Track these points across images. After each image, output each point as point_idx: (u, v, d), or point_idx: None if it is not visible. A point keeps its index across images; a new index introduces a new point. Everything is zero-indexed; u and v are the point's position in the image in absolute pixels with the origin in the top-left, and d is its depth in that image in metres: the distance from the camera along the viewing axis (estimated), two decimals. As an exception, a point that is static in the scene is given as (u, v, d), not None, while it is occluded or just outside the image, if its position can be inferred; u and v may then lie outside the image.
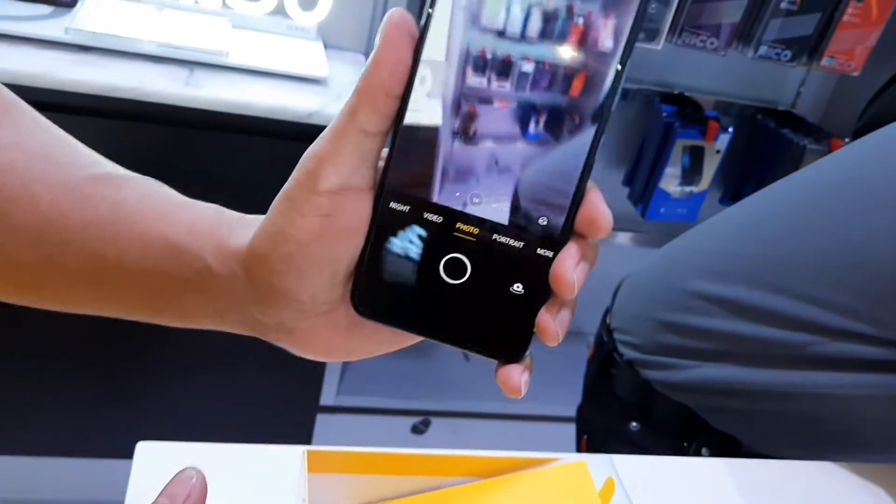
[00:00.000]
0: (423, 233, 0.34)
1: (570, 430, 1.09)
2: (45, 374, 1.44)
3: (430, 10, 0.32)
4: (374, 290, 0.35)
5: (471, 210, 0.33)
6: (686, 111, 1.76)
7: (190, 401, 1.51)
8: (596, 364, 1.00)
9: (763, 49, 1.63)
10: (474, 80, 0.32)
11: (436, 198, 0.34)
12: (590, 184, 0.33)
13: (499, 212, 0.33)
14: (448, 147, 0.33)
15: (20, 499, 1.60)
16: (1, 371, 1.41)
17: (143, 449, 0.65)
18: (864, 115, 0.95)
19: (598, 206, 0.33)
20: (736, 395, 0.83)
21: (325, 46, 1.50)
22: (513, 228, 0.33)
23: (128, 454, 0.64)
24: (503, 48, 0.32)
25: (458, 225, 0.34)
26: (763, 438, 0.85)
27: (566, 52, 0.32)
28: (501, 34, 0.32)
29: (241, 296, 0.36)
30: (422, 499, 0.60)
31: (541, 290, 0.34)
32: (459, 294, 0.34)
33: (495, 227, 0.33)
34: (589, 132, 0.32)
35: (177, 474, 0.33)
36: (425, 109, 0.33)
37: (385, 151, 0.34)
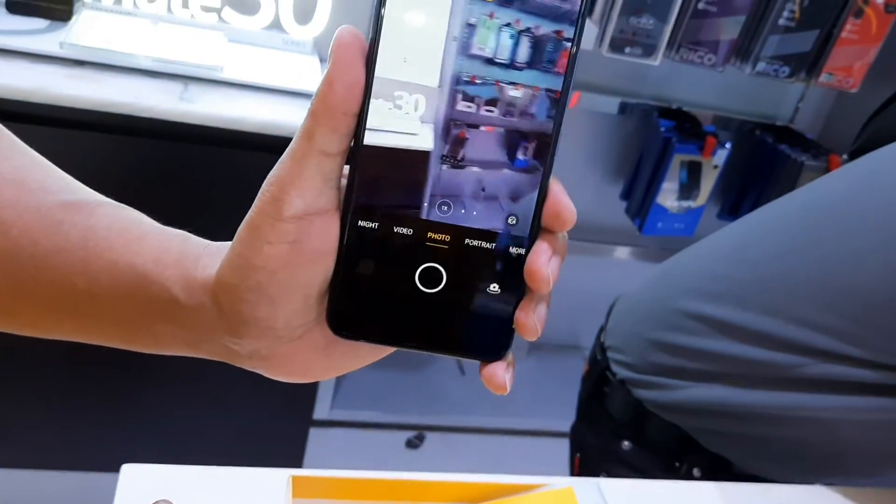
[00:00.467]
0: (394, 246, 0.34)
1: (565, 445, 1.08)
2: (33, 387, 1.44)
3: (379, 24, 0.32)
4: (352, 310, 0.35)
5: (440, 218, 0.34)
6: (684, 126, 1.76)
7: (182, 413, 1.51)
8: (589, 382, 1.00)
9: (761, 65, 1.63)
10: (431, 91, 0.33)
11: (403, 210, 0.34)
12: (552, 179, 0.34)
13: (468, 217, 0.34)
14: (411, 158, 0.33)
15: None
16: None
17: (128, 471, 0.64)
18: (862, 135, 0.95)
19: (561, 200, 0.34)
20: (727, 417, 0.82)
21: (321, 61, 1.50)
22: (483, 231, 0.34)
23: (117, 468, 0.63)
24: (456, 53, 0.32)
25: (429, 234, 0.34)
26: (754, 460, 0.84)
27: (517, 51, 0.32)
28: (453, 41, 0.32)
29: (211, 326, 0.36)
30: (405, 525, 0.60)
31: (516, 288, 0.34)
32: (437, 302, 0.34)
33: (466, 232, 0.34)
34: (547, 128, 0.33)
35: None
36: (385, 124, 0.33)
37: (347, 170, 0.34)
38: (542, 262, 0.33)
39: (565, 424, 1.09)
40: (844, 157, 1.69)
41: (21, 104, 1.16)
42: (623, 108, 1.83)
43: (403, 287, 0.34)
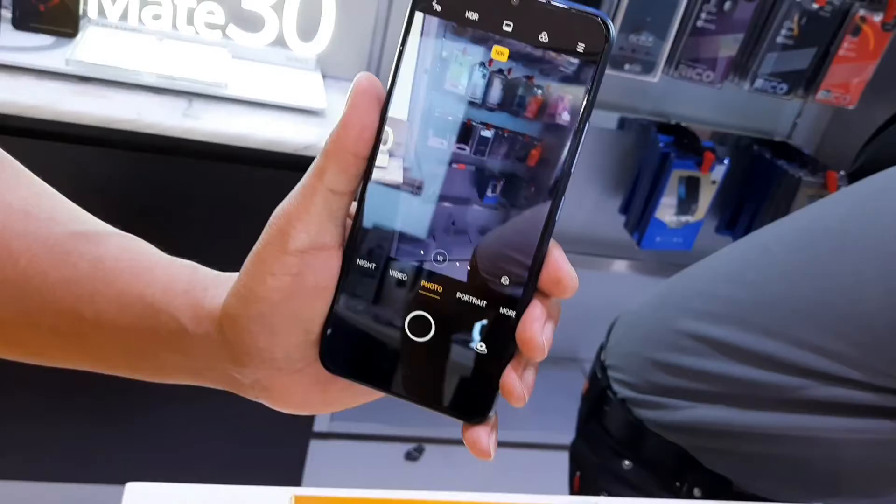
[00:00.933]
0: (388, 290, 0.34)
1: (564, 458, 1.09)
2: (35, 400, 1.44)
3: (396, 74, 0.33)
4: (341, 347, 0.35)
5: (435, 268, 0.34)
6: (682, 141, 1.77)
7: (184, 423, 1.51)
8: (590, 400, 1.01)
9: (759, 82, 1.64)
10: (438, 143, 0.33)
11: (401, 256, 0.34)
12: (552, 243, 0.33)
13: (463, 270, 0.34)
14: (414, 206, 0.34)
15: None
16: (-4, 397, 1.41)
17: (133, 490, 0.65)
18: (861, 156, 0.96)
19: (563, 266, 0.33)
20: (727, 436, 0.83)
21: (324, 76, 1.51)
22: (477, 287, 0.34)
23: (118, 480, 0.64)
24: (466, 113, 0.33)
25: (423, 283, 0.34)
26: (754, 479, 0.85)
27: (527, 120, 0.32)
28: (465, 99, 0.33)
29: (216, 355, 0.37)
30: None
31: (505, 350, 0.34)
32: (424, 352, 0.34)
33: (459, 286, 0.34)
34: (549, 193, 0.33)
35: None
36: (391, 168, 0.34)
37: (353, 209, 0.35)
38: (537, 328, 0.33)
39: (564, 437, 1.09)
40: (842, 173, 1.71)
41: (27, 120, 1.17)
42: (622, 123, 1.84)
43: (393, 332, 0.34)
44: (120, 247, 0.39)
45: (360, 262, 0.34)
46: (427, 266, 0.34)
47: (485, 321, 0.34)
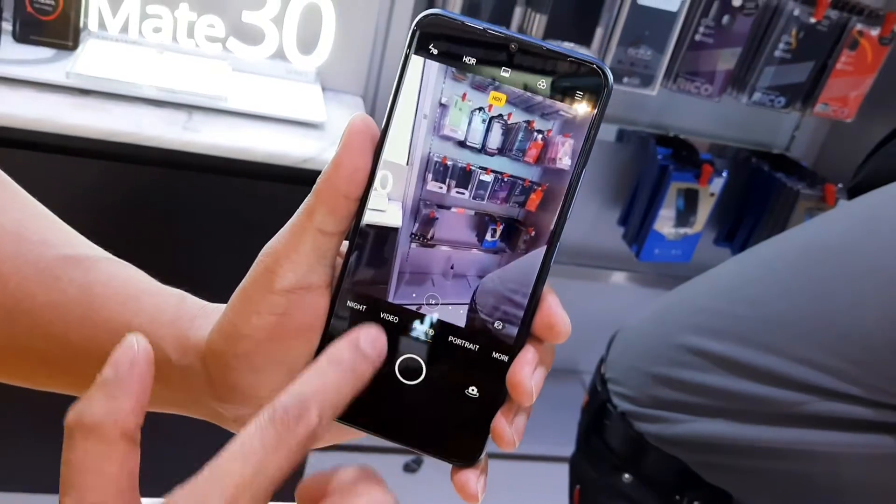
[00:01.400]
0: None
1: (563, 470, 1.09)
2: (32, 410, 1.43)
3: (392, 116, 0.33)
4: None
5: (427, 312, 0.34)
6: (681, 154, 1.78)
7: (182, 436, 1.50)
8: (590, 414, 1.00)
9: (757, 95, 1.65)
10: (434, 186, 0.33)
11: (392, 298, 0.34)
12: (546, 288, 0.33)
13: (455, 314, 0.33)
14: (406, 249, 0.33)
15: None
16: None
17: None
18: (861, 171, 0.96)
19: (557, 311, 0.33)
20: (727, 451, 0.83)
21: (324, 89, 1.51)
22: (468, 331, 0.34)
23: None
24: (463, 157, 0.33)
25: (415, 326, 0.34)
26: (754, 495, 0.85)
27: (525, 165, 0.32)
28: (462, 144, 0.33)
29: (199, 388, 0.36)
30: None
31: (496, 394, 0.33)
32: (414, 396, 0.34)
33: (451, 330, 0.34)
34: (544, 239, 0.33)
35: (120, 343, 0.31)
36: (385, 211, 0.33)
37: (344, 250, 0.34)
38: (527, 373, 0.32)
39: (563, 450, 1.09)
40: (839, 185, 1.71)
41: (27, 133, 1.17)
42: (621, 135, 1.84)
43: (382, 374, 0.34)
44: (109, 273, 0.39)
45: (349, 303, 0.34)
46: (419, 309, 0.34)
47: (477, 365, 0.34)
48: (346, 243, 0.35)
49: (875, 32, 1.63)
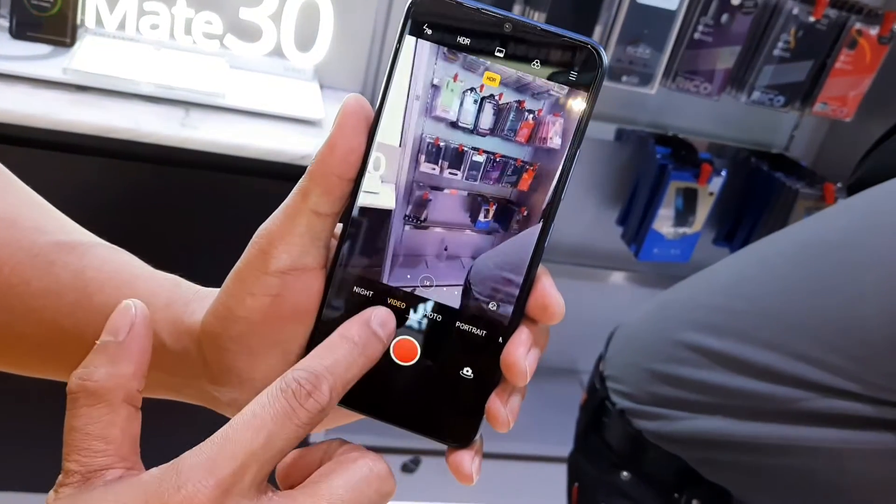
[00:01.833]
0: None
1: (562, 470, 1.08)
2: (31, 408, 1.43)
3: (385, 97, 0.32)
4: None
5: (422, 293, 0.34)
6: (680, 153, 1.78)
7: (182, 434, 1.50)
8: (588, 411, 1.00)
9: (756, 94, 1.65)
10: (428, 168, 0.33)
11: (387, 280, 0.34)
12: (541, 269, 0.33)
13: (449, 295, 0.33)
14: (400, 230, 0.33)
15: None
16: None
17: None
18: (860, 168, 0.96)
19: (551, 292, 0.33)
20: (726, 448, 0.82)
21: (322, 86, 1.51)
22: (462, 313, 0.34)
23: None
24: (456, 138, 0.33)
25: (410, 307, 0.34)
26: (753, 492, 0.84)
27: (518, 145, 0.32)
28: (455, 125, 0.32)
29: (194, 372, 0.36)
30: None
31: (491, 376, 0.34)
32: (409, 376, 0.34)
33: (445, 311, 0.34)
34: (539, 220, 0.33)
35: (117, 308, 0.32)
36: (379, 193, 0.33)
37: (338, 231, 0.34)
38: (521, 354, 0.32)
39: (562, 450, 1.09)
40: (839, 185, 1.71)
41: (24, 129, 1.16)
42: (620, 134, 1.84)
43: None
44: (103, 258, 0.39)
45: (344, 284, 0.34)
46: (414, 291, 0.34)
47: (471, 346, 0.34)
48: (339, 226, 0.34)
49: (874, 31, 1.62)
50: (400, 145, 0.33)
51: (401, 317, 0.34)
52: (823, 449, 0.76)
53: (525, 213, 0.33)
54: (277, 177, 1.27)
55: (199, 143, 1.22)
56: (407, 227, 0.33)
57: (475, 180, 0.33)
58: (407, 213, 0.33)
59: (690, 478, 0.87)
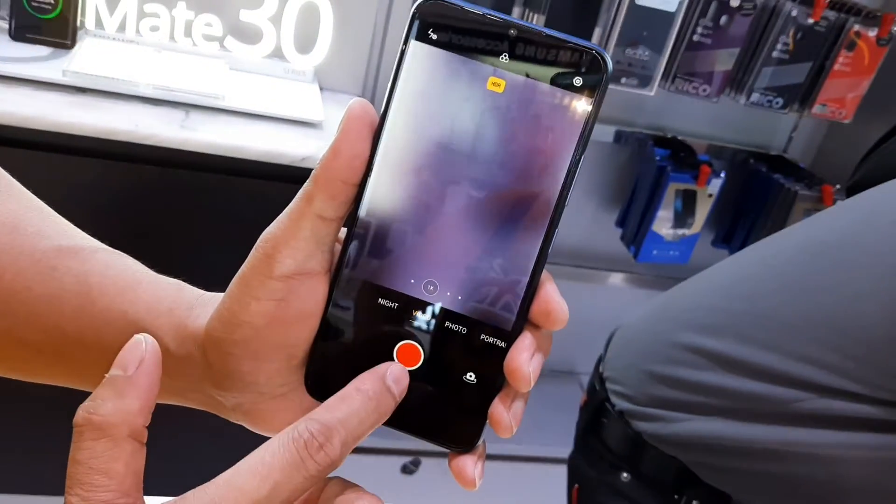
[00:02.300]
0: (376, 319, 0.34)
1: (561, 471, 1.08)
2: (31, 412, 1.43)
3: (390, 102, 0.32)
4: (328, 375, 0.34)
5: (425, 297, 0.34)
6: (679, 155, 1.78)
7: (181, 437, 1.50)
8: (588, 413, 1.00)
9: (755, 96, 1.65)
10: (432, 172, 0.33)
11: (391, 284, 0.34)
12: (544, 275, 0.33)
13: (453, 300, 0.34)
14: (405, 235, 0.33)
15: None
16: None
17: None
18: (859, 170, 0.96)
19: (554, 298, 0.33)
20: (726, 451, 0.82)
21: (322, 88, 1.51)
22: (466, 318, 0.34)
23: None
24: (460, 142, 0.32)
25: (413, 312, 0.34)
26: (752, 495, 0.84)
27: (523, 151, 0.32)
28: (459, 129, 0.32)
29: (198, 376, 0.36)
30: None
31: (494, 381, 0.34)
32: (412, 381, 0.34)
33: (449, 316, 0.34)
34: (542, 225, 0.33)
35: (128, 342, 0.32)
36: (384, 197, 0.33)
37: (343, 235, 0.34)
38: (524, 359, 0.33)
39: (561, 451, 1.09)
40: (837, 186, 1.72)
41: (24, 131, 1.16)
42: (619, 136, 1.84)
43: (380, 360, 0.34)
44: (105, 263, 0.39)
45: (348, 289, 0.34)
46: (418, 295, 0.34)
47: (475, 351, 0.34)
48: (344, 230, 0.34)
49: (873, 33, 1.63)
50: (404, 150, 0.33)
51: (404, 321, 0.34)
52: (823, 454, 0.76)
53: (528, 219, 0.33)
54: (277, 179, 1.27)
55: (198, 145, 1.22)
56: (411, 232, 0.33)
57: (479, 185, 0.33)
58: (411, 218, 0.33)
59: (690, 479, 0.86)
